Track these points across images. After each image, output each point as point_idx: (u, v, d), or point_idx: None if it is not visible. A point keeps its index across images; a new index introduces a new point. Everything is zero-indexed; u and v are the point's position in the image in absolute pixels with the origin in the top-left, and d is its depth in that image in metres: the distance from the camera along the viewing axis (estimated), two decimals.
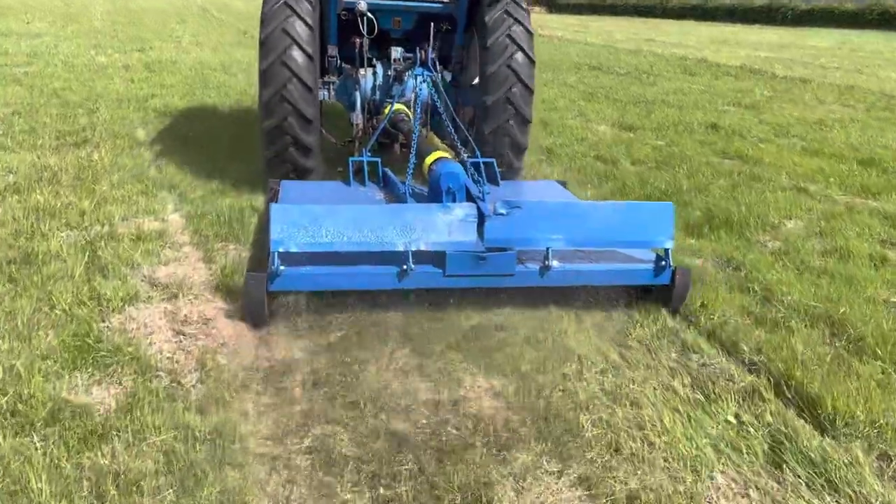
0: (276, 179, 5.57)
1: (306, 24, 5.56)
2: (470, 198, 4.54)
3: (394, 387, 3.51)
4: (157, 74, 12.70)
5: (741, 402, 3.51)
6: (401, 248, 3.84)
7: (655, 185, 7.19)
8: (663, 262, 4.21)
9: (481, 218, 4.07)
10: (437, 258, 3.93)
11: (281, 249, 3.76)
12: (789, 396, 3.55)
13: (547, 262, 4.00)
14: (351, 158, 5.59)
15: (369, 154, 5.63)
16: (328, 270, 3.91)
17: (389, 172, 5.45)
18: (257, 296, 3.75)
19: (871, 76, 18.12)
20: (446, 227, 3.92)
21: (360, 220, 3.86)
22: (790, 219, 6.40)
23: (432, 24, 6.21)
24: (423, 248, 3.87)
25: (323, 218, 3.83)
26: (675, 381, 3.67)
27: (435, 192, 4.59)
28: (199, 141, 8.07)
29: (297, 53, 5.48)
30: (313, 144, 5.74)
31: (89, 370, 3.48)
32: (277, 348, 3.80)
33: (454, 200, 4.42)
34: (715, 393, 3.56)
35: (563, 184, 5.99)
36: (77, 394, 3.30)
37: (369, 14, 6.09)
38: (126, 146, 7.81)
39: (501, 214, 3.94)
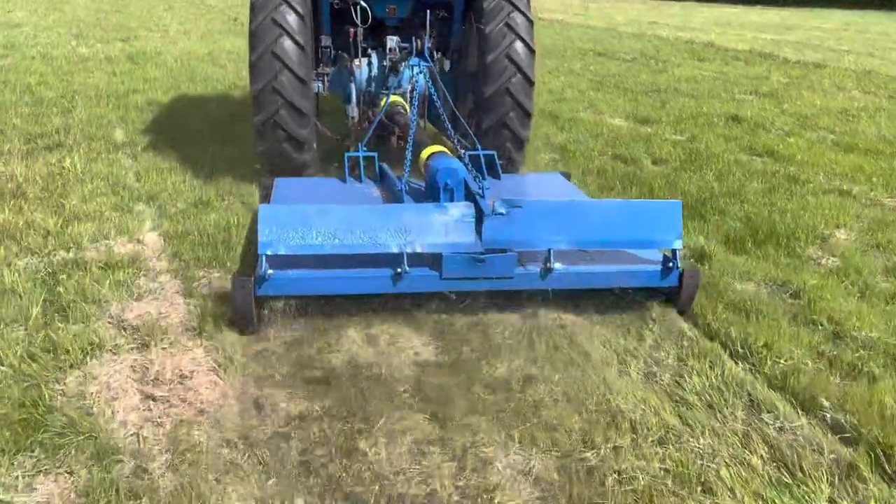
0: (270, 177, 5.37)
1: (297, 13, 5.34)
2: (469, 194, 4.37)
3: (408, 471, 2.86)
4: (140, 67, 11.94)
5: (835, 482, 2.87)
6: (395, 251, 3.68)
7: (685, 188, 6.53)
8: (671, 264, 3.99)
9: (480, 217, 3.92)
10: (433, 260, 3.77)
11: (269, 252, 3.60)
12: (891, 473, 2.91)
13: (548, 265, 3.82)
14: (347, 154, 5.41)
15: (366, 149, 5.44)
16: (319, 274, 3.73)
17: (387, 168, 5.28)
18: (245, 301, 3.57)
19: (884, 60, 17.43)
20: (443, 227, 3.76)
21: (353, 220, 3.70)
22: (839, 228, 5.75)
23: (428, 11, 5.98)
24: (418, 250, 3.71)
25: (313, 219, 3.67)
26: (751, 452, 3.03)
27: (432, 189, 4.40)
28: (183, 142, 7.36)
29: (288, 44, 5.25)
30: (307, 138, 5.53)
31: (34, 454, 2.83)
32: (267, 415, 3.15)
33: (452, 197, 4.27)
34: (802, 470, 2.92)
35: (567, 175, 5.76)
36: (16, 490, 2.64)
37: (363, 2, 5.87)
38: (102, 150, 7.11)
39: (501, 214, 3.75)
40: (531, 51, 5.72)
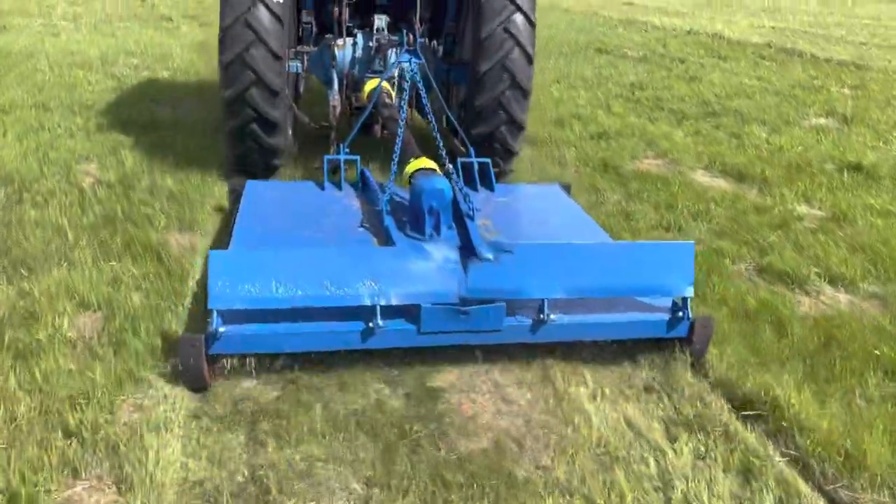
0: (240, 179, 4.87)
1: None
2: (458, 216, 3.95)
3: None
4: None
5: None
6: (367, 303, 3.23)
7: None
8: (681, 313, 3.52)
9: (467, 245, 3.59)
10: (409, 312, 3.32)
11: (221, 307, 3.13)
12: None
13: (542, 316, 3.38)
14: (327, 156, 4.89)
15: (347, 151, 4.93)
16: (279, 329, 3.26)
17: (369, 174, 4.81)
18: (195, 362, 3.13)
19: None
20: (422, 274, 3.38)
21: (319, 267, 3.26)
22: None
23: None
24: (393, 302, 3.27)
25: (273, 266, 3.22)
26: None
27: (415, 211, 3.92)
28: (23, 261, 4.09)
29: (262, 12, 4.85)
30: (280, 119, 5.10)
31: None
32: None
33: (437, 221, 3.86)
34: None
35: (567, 188, 5.30)
36: None
37: None
38: None
39: (488, 260, 3.40)
40: (531, 24, 5.28)
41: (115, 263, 4.25)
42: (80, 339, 3.53)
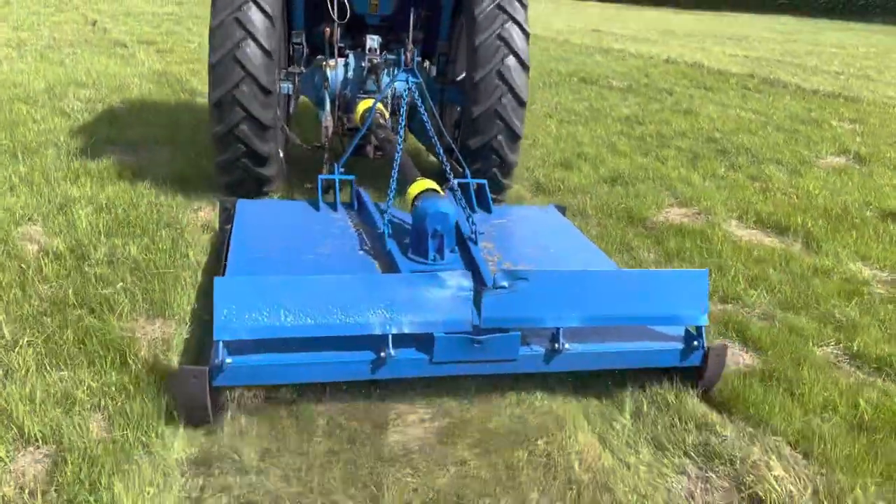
0: (231, 198, 4.64)
1: (264, 12, 4.80)
2: (461, 239, 4.05)
3: None
4: None
5: None
6: (378, 332, 3.12)
7: None
8: (696, 342, 3.47)
9: (474, 272, 3.60)
10: (421, 341, 3.24)
11: (227, 338, 2.97)
12: None
13: (557, 345, 3.31)
14: (321, 176, 4.78)
15: (342, 171, 4.83)
16: (287, 360, 3.11)
17: (364, 195, 4.73)
18: (198, 396, 2.94)
19: (890, 85, 14.85)
20: (435, 302, 3.22)
21: (329, 295, 3.13)
22: None
23: (413, 8, 5.51)
24: (406, 330, 3.16)
25: (282, 294, 3.07)
26: None
27: (419, 234, 3.91)
28: None
29: (252, 49, 4.76)
30: (270, 153, 5.05)
31: None
32: None
33: (441, 244, 3.87)
34: None
35: (562, 210, 5.22)
36: None
37: None
38: None
39: (503, 287, 3.24)
40: (525, 67, 5.27)
41: (65, 372, 3.29)
42: (17, 500, 2.57)
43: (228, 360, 2.99)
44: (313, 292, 3.13)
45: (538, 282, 3.30)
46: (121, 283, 4.06)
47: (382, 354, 3.13)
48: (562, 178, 6.85)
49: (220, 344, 2.97)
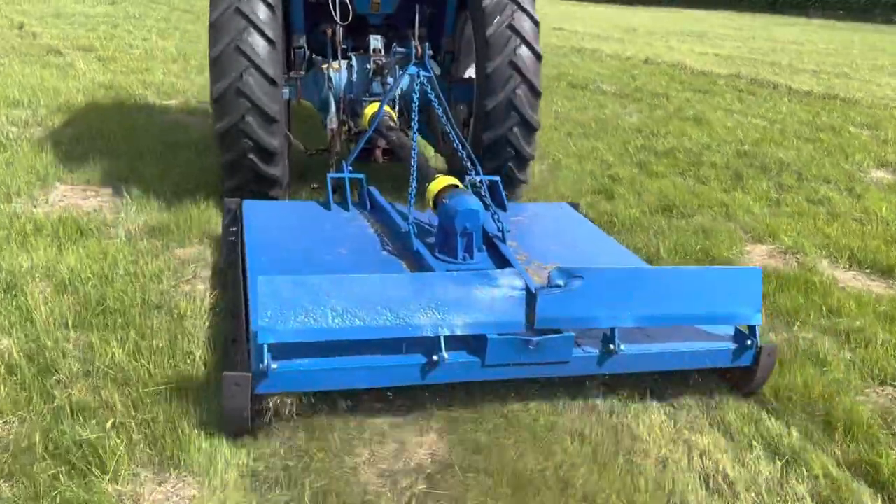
0: (235, 199, 4.31)
1: (267, 3, 4.71)
2: (487, 239, 3.93)
3: None
4: None
5: None
6: (429, 334, 2.96)
7: None
8: (749, 342, 3.39)
9: (533, 284, 3.33)
10: (472, 344, 3.10)
11: (272, 341, 2.77)
12: None
13: (611, 346, 3.19)
14: (330, 174, 4.55)
15: (350, 169, 4.60)
16: (334, 364, 2.93)
17: (377, 193, 4.52)
18: (240, 403, 2.77)
19: (869, 83, 14.45)
20: (487, 303, 3.07)
21: (375, 294, 2.95)
22: None
23: (417, 7, 5.28)
24: (458, 332, 3.01)
25: (326, 293, 2.88)
26: None
27: (447, 233, 3.78)
28: None
29: (255, 37, 4.61)
30: (278, 148, 4.81)
31: None
32: None
33: (470, 243, 3.77)
34: None
35: (576, 206, 5.00)
36: None
37: None
38: None
39: (558, 286, 3.13)
40: (538, 56, 5.15)
41: None
42: None
43: (274, 366, 2.79)
44: (361, 292, 2.95)
45: (594, 280, 3.19)
46: (110, 421, 2.83)
47: (434, 358, 2.98)
48: (609, 211, 5.86)
49: (265, 348, 2.77)
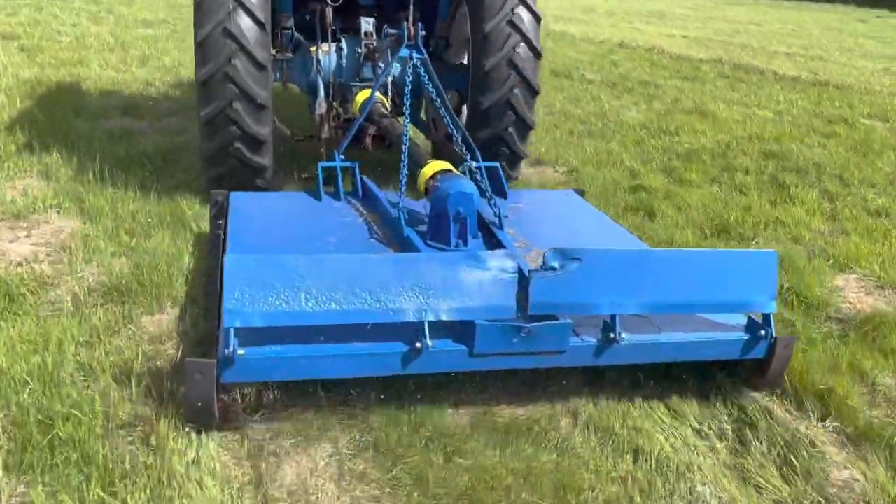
0: (222, 190, 4.17)
1: None
2: (483, 225, 3.78)
3: None
4: None
5: None
6: (413, 319, 2.79)
7: None
8: (763, 332, 3.17)
9: (525, 266, 3.05)
10: (460, 331, 2.93)
11: (239, 325, 2.60)
12: None
13: (612, 335, 2.99)
14: (321, 163, 4.42)
15: (342, 157, 4.47)
16: (307, 352, 2.74)
17: (369, 182, 4.39)
18: (204, 392, 2.59)
19: (846, 65, 14.02)
20: (475, 286, 2.88)
21: (355, 276, 2.77)
22: None
23: None
24: (443, 317, 2.82)
25: (301, 274, 2.70)
26: None
27: (439, 218, 3.63)
28: None
29: (244, 19, 4.42)
30: (266, 136, 4.64)
31: None
32: None
33: (464, 229, 3.61)
34: None
35: (581, 193, 4.93)
36: None
37: None
38: None
39: (553, 269, 2.92)
40: (537, 54, 5.04)
41: None
42: None
43: (241, 352, 2.59)
44: (339, 273, 2.77)
45: (594, 262, 3.00)
46: None
47: (418, 345, 2.79)
48: (658, 235, 4.97)
49: (231, 332, 2.58)
